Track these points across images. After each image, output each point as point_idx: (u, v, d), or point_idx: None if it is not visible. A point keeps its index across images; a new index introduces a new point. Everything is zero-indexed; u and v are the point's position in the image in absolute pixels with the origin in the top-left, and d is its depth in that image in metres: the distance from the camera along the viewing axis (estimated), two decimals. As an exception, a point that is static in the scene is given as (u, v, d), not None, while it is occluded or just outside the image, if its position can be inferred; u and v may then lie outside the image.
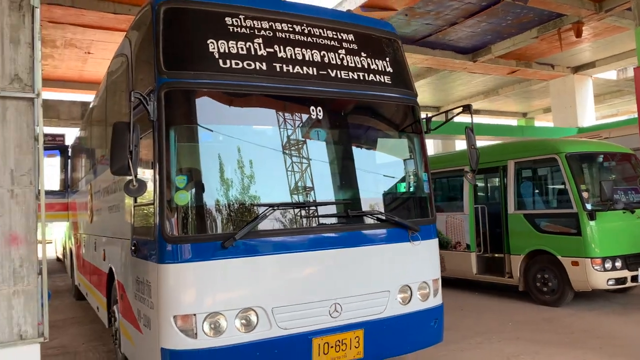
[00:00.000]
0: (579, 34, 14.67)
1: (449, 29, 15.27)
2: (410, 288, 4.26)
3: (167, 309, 3.44)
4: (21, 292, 3.18)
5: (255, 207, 3.71)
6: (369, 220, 4.17)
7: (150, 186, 3.60)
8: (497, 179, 8.83)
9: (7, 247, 3.16)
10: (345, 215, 4.02)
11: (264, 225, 3.66)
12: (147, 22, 3.92)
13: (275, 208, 3.69)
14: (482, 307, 7.75)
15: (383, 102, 4.47)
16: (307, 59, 4.04)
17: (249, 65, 3.77)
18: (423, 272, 4.39)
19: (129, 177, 3.39)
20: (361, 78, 4.27)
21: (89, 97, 16.48)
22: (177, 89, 3.60)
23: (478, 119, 27.30)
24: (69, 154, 10.83)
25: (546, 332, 6.12)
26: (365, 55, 4.36)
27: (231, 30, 3.82)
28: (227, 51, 3.73)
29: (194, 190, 3.63)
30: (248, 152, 3.81)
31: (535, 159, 7.92)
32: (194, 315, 3.43)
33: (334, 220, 4.04)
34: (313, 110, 4.02)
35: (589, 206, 7.04)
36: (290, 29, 4.06)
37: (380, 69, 4.41)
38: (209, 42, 3.71)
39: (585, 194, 7.09)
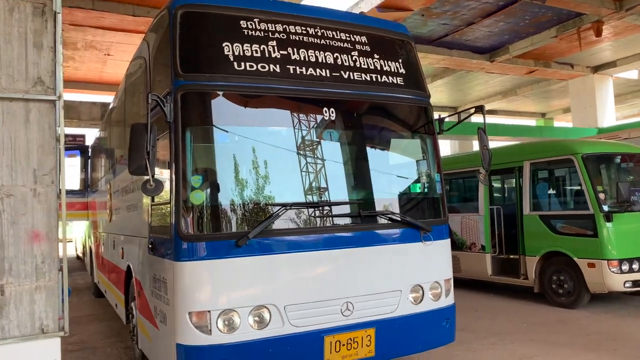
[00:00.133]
0: (598, 33, 14.47)
1: (466, 28, 15.19)
2: (422, 288, 4.30)
3: (183, 306, 3.53)
4: (43, 288, 3.28)
5: (268, 207, 3.78)
6: (381, 220, 4.22)
7: (166, 186, 3.70)
8: (512, 180, 8.78)
9: (29, 244, 3.27)
10: (357, 215, 4.08)
11: (277, 225, 3.74)
12: (164, 25, 4.02)
13: (288, 208, 3.76)
14: (497, 309, 7.73)
15: (396, 103, 4.51)
16: (320, 61, 4.10)
17: (263, 67, 3.85)
18: (435, 272, 4.41)
19: (146, 177, 3.49)
20: (374, 79, 4.31)
21: (108, 98, 16.78)
22: (193, 91, 3.69)
23: (496, 120, 27.07)
24: (89, 154, 11.03)
25: (560, 334, 6.08)
26: (378, 56, 4.40)
27: (246, 33, 3.89)
28: (241, 54, 3.80)
29: (209, 189, 3.72)
30: (262, 152, 3.89)
31: (551, 160, 7.87)
32: (209, 311, 3.51)
33: (346, 220, 4.09)
34: (326, 112, 4.08)
35: (605, 207, 6.98)
36: (304, 32, 4.13)
37: (393, 70, 4.45)
38: (224, 45, 3.79)
39: (601, 195, 7.03)
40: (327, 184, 4.02)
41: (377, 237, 4.16)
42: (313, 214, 3.93)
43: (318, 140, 4.09)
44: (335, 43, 4.23)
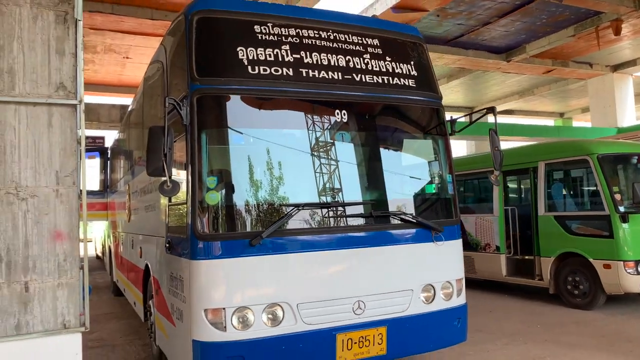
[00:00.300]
0: (617, 32, 14.29)
1: (481, 28, 15.12)
2: (433, 287, 4.34)
3: (199, 303, 3.63)
4: (65, 285, 3.42)
5: (281, 207, 3.87)
6: (392, 221, 4.27)
7: (183, 187, 3.80)
8: (527, 181, 8.75)
9: (52, 242, 3.40)
10: (369, 215, 4.14)
11: (290, 225, 3.82)
12: (181, 30, 4.13)
13: (301, 208, 3.84)
14: (511, 309, 7.71)
15: (407, 105, 4.56)
16: (332, 64, 4.17)
17: (276, 71, 3.94)
18: (446, 272, 4.45)
19: (163, 178, 3.60)
20: (386, 82, 4.37)
21: (127, 100, 17.06)
22: (208, 94, 3.79)
23: (513, 120, 26.85)
24: (108, 156, 11.24)
25: (575, 335, 6.07)
26: (389, 59, 4.46)
27: (259, 37, 3.99)
28: (255, 58, 3.90)
29: (223, 190, 3.82)
30: (275, 154, 3.98)
31: (566, 160, 7.83)
32: (224, 309, 3.61)
33: (358, 220, 4.16)
34: (338, 114, 4.15)
35: (621, 208, 6.93)
36: (316, 35, 4.21)
37: (404, 72, 4.50)
38: (238, 49, 3.88)
39: (617, 196, 6.98)
40: (339, 185, 4.10)
41: (389, 237, 4.22)
42: (325, 214, 4.00)
43: (330, 141, 4.16)
44: (347, 46, 4.30)
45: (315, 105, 4.14)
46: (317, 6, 12.03)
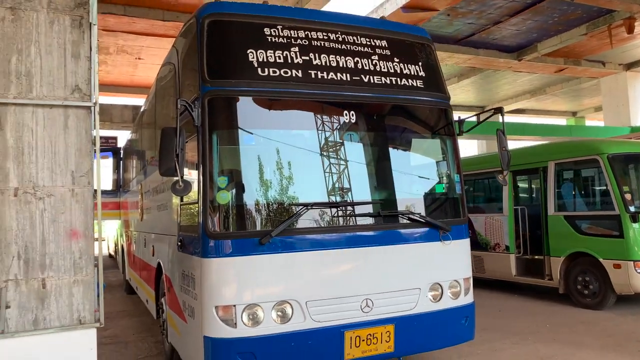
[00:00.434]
0: (630, 30, 14.17)
1: (492, 27, 15.07)
2: (441, 286, 4.38)
3: (210, 300, 3.71)
4: (80, 282, 3.52)
5: (290, 207, 3.94)
6: (400, 220, 4.32)
7: (194, 186, 3.89)
8: (537, 180, 8.74)
9: (68, 241, 3.51)
10: (377, 214, 4.20)
11: (299, 224, 3.89)
12: (193, 33, 4.22)
13: (310, 207, 3.91)
14: (521, 309, 7.72)
15: (416, 106, 4.60)
16: (341, 65, 4.23)
17: (285, 72, 4.00)
18: (454, 271, 4.49)
19: (175, 178, 3.68)
20: (394, 83, 4.42)
21: (139, 100, 17.26)
22: (219, 96, 3.87)
23: (525, 119, 26.68)
24: (121, 156, 11.38)
25: (584, 335, 6.07)
26: (397, 60, 4.51)
27: (269, 40, 4.06)
28: (265, 60, 3.97)
29: (234, 190, 3.89)
30: (284, 154, 4.04)
31: (576, 160, 7.81)
32: (234, 306, 3.69)
33: (366, 219, 4.21)
34: (346, 115, 4.21)
35: (632, 208, 6.91)
36: (325, 37, 4.27)
37: (412, 73, 4.54)
38: (248, 52, 3.96)
39: (628, 196, 6.96)
40: (347, 185, 4.16)
41: (397, 236, 4.27)
42: (333, 214, 4.06)
43: (338, 142, 4.22)
44: (355, 48, 4.35)
45: (323, 106, 4.20)
46: (326, 7, 12.08)
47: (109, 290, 10.79)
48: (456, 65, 18.01)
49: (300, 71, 4.05)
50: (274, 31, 4.10)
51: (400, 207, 4.39)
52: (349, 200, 4.14)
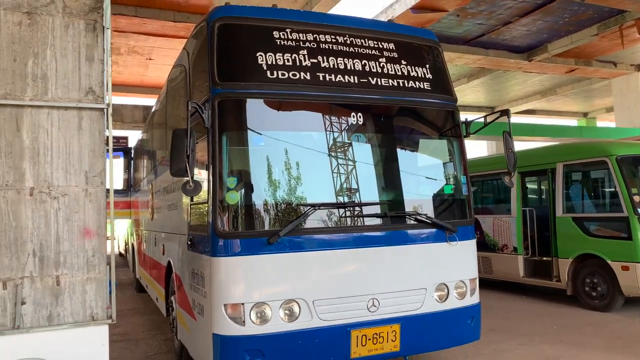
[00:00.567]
0: (642, 31, 14.09)
1: (502, 28, 15.02)
2: (447, 286, 4.43)
3: (219, 298, 3.78)
4: (93, 279, 3.61)
5: (298, 207, 4.00)
6: (407, 221, 4.37)
7: (204, 186, 3.97)
8: (545, 182, 8.73)
9: (81, 239, 3.60)
10: (383, 215, 4.25)
11: (306, 224, 3.95)
12: (203, 36, 4.30)
13: (317, 208, 3.97)
14: (528, 310, 7.72)
15: (423, 108, 4.64)
16: (348, 68, 4.28)
17: (294, 75, 4.07)
18: (460, 272, 4.53)
19: (186, 178, 3.76)
20: (401, 85, 4.46)
21: (149, 101, 17.40)
22: (229, 98, 3.95)
23: (535, 120, 26.54)
24: (132, 156, 11.50)
25: (591, 337, 6.07)
26: (405, 62, 4.55)
27: (278, 43, 4.13)
28: (274, 63, 4.04)
29: (243, 190, 3.97)
30: (292, 155, 4.11)
31: (584, 162, 7.80)
32: (242, 304, 3.76)
33: (373, 220, 4.26)
34: (354, 116, 4.27)
35: (640, 210, 6.89)
36: (333, 40, 4.33)
37: (419, 75, 4.59)
38: (258, 55, 4.03)
39: (636, 198, 6.94)
40: (354, 186, 4.21)
41: (403, 237, 4.32)
42: (340, 214, 4.12)
43: (346, 143, 4.28)
44: (363, 50, 4.41)
45: (331, 108, 4.26)
46: (334, 9, 12.12)
47: (120, 288, 10.88)
48: (466, 66, 17.97)
49: (308, 73, 4.12)
50: (283, 34, 4.17)
51: (407, 208, 4.44)
52: (355, 201, 4.20)
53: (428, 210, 4.53)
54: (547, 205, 8.28)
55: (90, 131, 3.63)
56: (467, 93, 22.14)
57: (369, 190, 4.34)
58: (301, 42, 4.20)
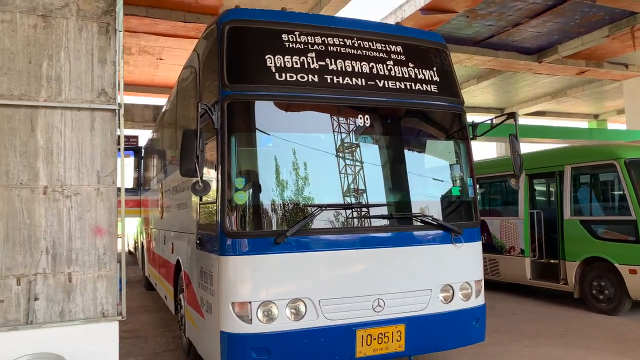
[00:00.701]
0: (653, 33, 13.99)
1: (512, 29, 14.96)
2: (452, 288, 4.46)
3: (226, 296, 3.85)
4: (104, 277, 3.69)
5: (305, 207, 4.05)
6: (413, 222, 4.41)
7: (213, 186, 4.03)
8: (553, 184, 8.72)
9: (93, 237, 3.68)
10: (389, 216, 4.30)
11: (313, 224, 4.00)
12: (213, 38, 4.37)
13: (324, 209, 4.02)
14: (535, 313, 7.72)
15: (430, 110, 4.68)
16: (356, 70, 4.33)
17: (302, 77, 4.12)
18: (465, 273, 4.56)
19: (195, 179, 3.83)
20: (408, 87, 4.50)
21: (160, 100, 17.54)
22: (238, 100, 4.01)
23: (545, 122, 26.39)
24: (142, 155, 11.61)
25: (597, 339, 6.07)
26: (412, 65, 4.59)
27: (287, 46, 4.18)
28: (282, 65, 4.10)
29: (251, 190, 4.03)
30: (300, 157, 4.16)
31: (593, 165, 7.78)
32: (250, 302, 3.82)
33: (379, 221, 4.31)
34: (361, 119, 4.32)
35: (648, 213, 6.87)
36: (341, 43, 4.38)
37: (427, 78, 4.62)
38: (266, 57, 4.09)
39: (645, 201, 6.92)
40: (362, 187, 4.26)
41: (409, 238, 4.36)
42: (347, 215, 4.17)
43: (353, 145, 4.33)
44: (370, 53, 4.46)
45: (339, 110, 4.31)
46: (343, 10, 12.15)
47: (129, 286, 10.89)
48: (475, 67, 17.90)
49: (316, 76, 4.17)
50: (292, 37, 4.23)
51: (413, 210, 4.48)
52: (362, 202, 4.24)
53: (434, 211, 4.56)
54: (555, 208, 8.27)
55: (102, 131, 3.71)
56: (477, 94, 22.07)
57: (375, 191, 4.38)
58: (309, 45, 4.25)
